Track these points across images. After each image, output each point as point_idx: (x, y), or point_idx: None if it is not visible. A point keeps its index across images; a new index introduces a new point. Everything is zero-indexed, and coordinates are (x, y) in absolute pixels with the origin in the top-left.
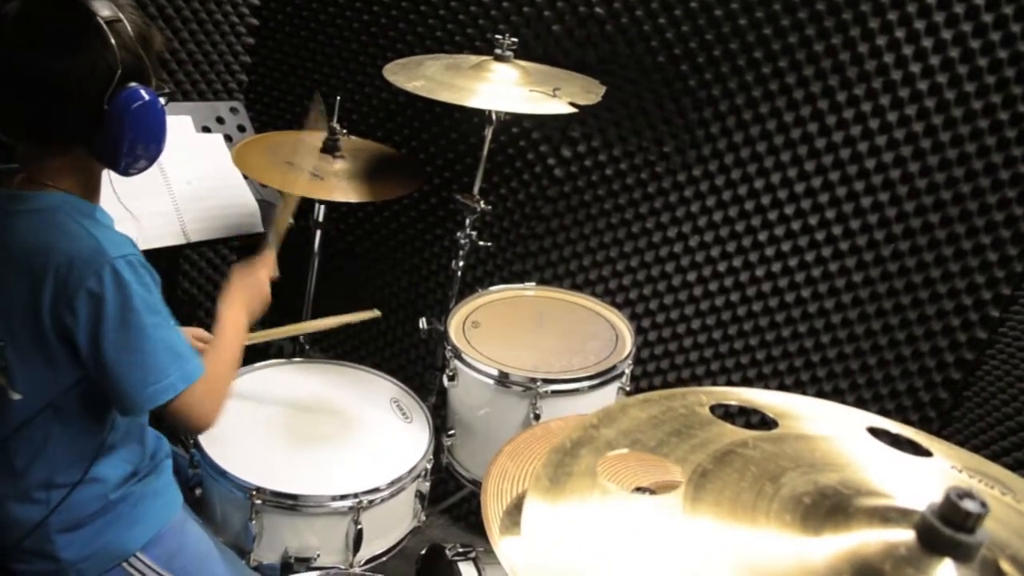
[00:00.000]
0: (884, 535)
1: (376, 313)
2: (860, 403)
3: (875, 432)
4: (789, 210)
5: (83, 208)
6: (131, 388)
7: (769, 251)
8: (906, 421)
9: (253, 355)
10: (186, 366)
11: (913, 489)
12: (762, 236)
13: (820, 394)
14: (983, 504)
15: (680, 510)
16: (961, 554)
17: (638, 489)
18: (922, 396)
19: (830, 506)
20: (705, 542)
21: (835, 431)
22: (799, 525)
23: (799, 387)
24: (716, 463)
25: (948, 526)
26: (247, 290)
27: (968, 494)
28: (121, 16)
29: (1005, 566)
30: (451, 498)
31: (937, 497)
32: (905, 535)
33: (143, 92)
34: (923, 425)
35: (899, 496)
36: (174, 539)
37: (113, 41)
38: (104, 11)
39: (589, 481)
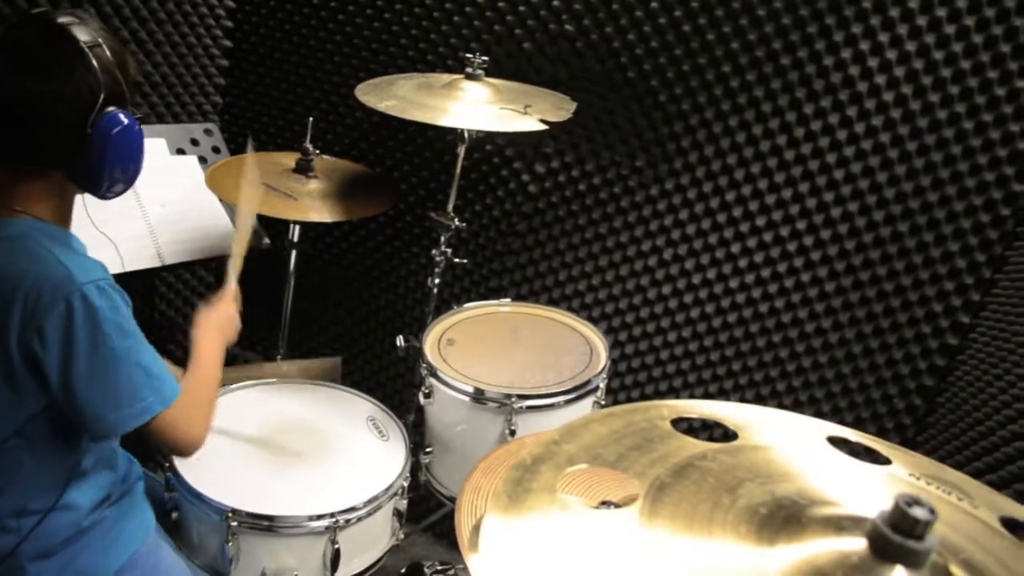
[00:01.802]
0: (837, 544)
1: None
2: (835, 411)
3: (835, 441)
4: (761, 221)
5: (53, 234)
6: (102, 412)
7: (742, 262)
8: (881, 428)
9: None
10: (163, 387)
11: (868, 498)
12: (735, 248)
13: (796, 403)
14: (932, 511)
15: (637, 523)
16: (911, 560)
17: (604, 503)
18: (896, 403)
19: (785, 516)
20: (661, 554)
21: (794, 442)
22: (754, 536)
23: (775, 397)
24: (674, 476)
25: (898, 533)
26: (216, 325)
27: (917, 501)
28: (100, 41)
29: (955, 570)
30: (433, 515)
31: (889, 505)
32: (858, 544)
33: (123, 116)
34: (898, 432)
35: (854, 505)
36: (148, 560)
37: (96, 65)
38: (84, 36)
39: (548, 496)
